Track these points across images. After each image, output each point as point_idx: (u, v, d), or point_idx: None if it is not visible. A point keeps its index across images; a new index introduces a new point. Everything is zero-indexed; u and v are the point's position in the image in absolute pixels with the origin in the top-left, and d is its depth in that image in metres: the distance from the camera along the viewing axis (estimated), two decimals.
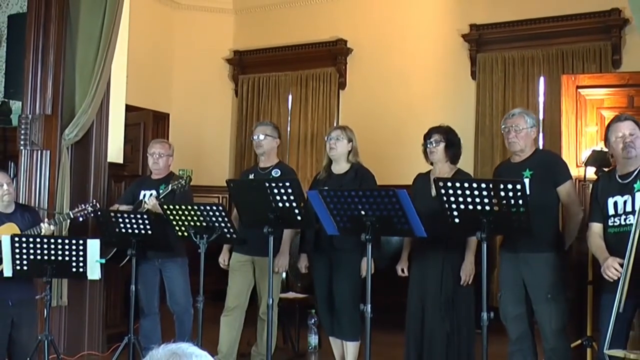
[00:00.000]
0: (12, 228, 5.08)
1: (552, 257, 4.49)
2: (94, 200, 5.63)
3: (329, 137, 5.40)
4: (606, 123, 4.47)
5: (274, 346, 5.46)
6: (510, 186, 3.96)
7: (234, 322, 5.62)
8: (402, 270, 5.17)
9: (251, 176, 5.71)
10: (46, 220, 5.21)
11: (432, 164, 5.13)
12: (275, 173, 5.58)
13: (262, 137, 5.62)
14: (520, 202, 3.95)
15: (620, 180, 4.11)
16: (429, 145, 5.04)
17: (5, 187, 5.10)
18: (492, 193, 3.97)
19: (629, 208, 4.01)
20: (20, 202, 5.59)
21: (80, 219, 5.45)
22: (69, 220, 5.48)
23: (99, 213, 5.34)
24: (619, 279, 3.76)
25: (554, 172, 4.59)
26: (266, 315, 5.01)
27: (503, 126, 4.73)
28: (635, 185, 4.01)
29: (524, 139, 4.62)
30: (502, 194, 3.95)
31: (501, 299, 4.70)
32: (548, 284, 4.45)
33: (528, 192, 4.41)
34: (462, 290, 4.87)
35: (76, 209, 5.37)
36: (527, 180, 4.47)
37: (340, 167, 5.40)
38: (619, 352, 3.82)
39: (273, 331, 5.36)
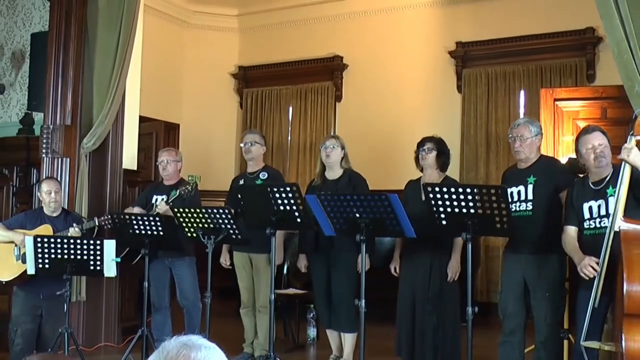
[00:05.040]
0: (47, 229, 5.20)
1: (553, 259, 4.41)
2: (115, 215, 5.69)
3: (324, 146, 5.39)
4: None
5: (264, 337, 5.52)
6: (493, 191, 3.97)
7: (252, 313, 5.69)
8: (395, 269, 5.16)
9: (241, 182, 5.73)
10: (74, 224, 5.25)
11: (422, 170, 5.13)
12: (263, 176, 5.63)
13: (251, 144, 5.64)
14: (503, 205, 3.95)
15: (593, 187, 4.09)
16: (421, 152, 5.03)
17: (53, 194, 5.28)
18: (476, 197, 3.97)
19: (602, 212, 4.00)
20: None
21: (105, 227, 5.52)
22: (96, 228, 5.50)
23: (115, 216, 5.36)
24: (594, 276, 3.77)
25: (557, 178, 4.49)
26: (264, 309, 5.04)
27: (509, 135, 4.63)
28: (607, 191, 4.00)
29: (529, 147, 4.52)
30: (486, 198, 3.96)
31: (501, 296, 4.65)
32: (547, 284, 4.40)
33: (531, 197, 4.40)
34: (448, 286, 4.87)
35: (102, 218, 5.48)
36: (530, 186, 4.44)
37: (335, 173, 5.41)
38: (594, 344, 3.83)
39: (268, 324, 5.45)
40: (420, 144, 5.08)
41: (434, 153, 5.01)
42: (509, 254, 4.64)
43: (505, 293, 4.61)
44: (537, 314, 4.47)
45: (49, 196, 5.26)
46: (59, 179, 6.00)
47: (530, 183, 4.46)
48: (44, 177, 5.84)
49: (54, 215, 5.32)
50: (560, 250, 4.43)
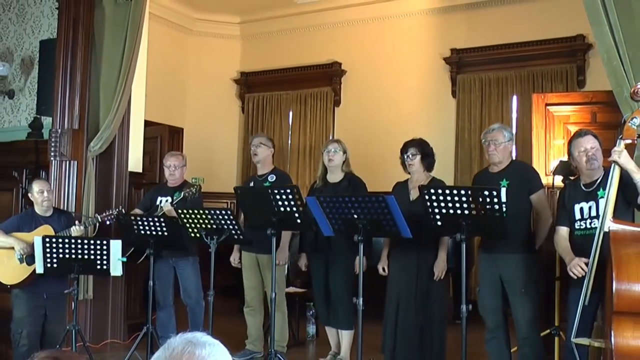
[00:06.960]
0: (48, 230, 5.12)
1: (525, 257, 4.48)
2: (120, 207, 5.67)
3: (326, 149, 5.39)
4: None
5: (286, 335, 5.64)
6: (487, 193, 3.98)
7: (255, 312, 5.72)
8: (383, 269, 5.11)
9: (251, 184, 5.73)
10: (77, 222, 5.22)
11: (409, 172, 5.12)
12: (271, 178, 5.61)
13: (257, 146, 5.64)
14: (496, 207, 3.96)
15: (584, 189, 4.11)
16: (406, 159, 5.01)
17: (45, 194, 5.19)
18: (471, 199, 3.98)
19: (593, 213, 4.02)
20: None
21: (107, 222, 5.48)
22: (97, 223, 5.48)
23: (121, 217, 5.36)
24: (584, 276, 3.78)
25: (528, 182, 4.57)
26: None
27: (483, 140, 4.70)
28: (598, 193, 4.01)
29: (502, 151, 4.61)
30: (481, 199, 3.97)
31: (480, 293, 4.70)
32: (522, 280, 4.44)
33: (504, 200, 4.43)
34: (435, 285, 4.85)
35: (104, 214, 5.42)
36: (503, 189, 4.46)
37: (336, 176, 5.41)
38: (584, 341, 3.84)
39: (284, 321, 5.58)
40: (404, 150, 5.06)
41: (418, 157, 4.98)
42: (484, 254, 4.67)
43: (483, 291, 4.65)
44: (515, 312, 4.51)
45: (41, 195, 5.15)
46: (66, 181, 6.03)
47: (503, 186, 4.50)
48: (35, 179, 5.72)
49: (47, 215, 5.22)
50: (532, 249, 4.50)
